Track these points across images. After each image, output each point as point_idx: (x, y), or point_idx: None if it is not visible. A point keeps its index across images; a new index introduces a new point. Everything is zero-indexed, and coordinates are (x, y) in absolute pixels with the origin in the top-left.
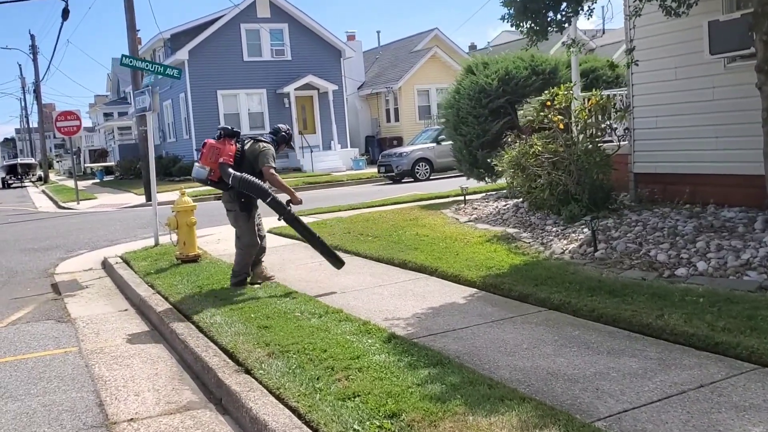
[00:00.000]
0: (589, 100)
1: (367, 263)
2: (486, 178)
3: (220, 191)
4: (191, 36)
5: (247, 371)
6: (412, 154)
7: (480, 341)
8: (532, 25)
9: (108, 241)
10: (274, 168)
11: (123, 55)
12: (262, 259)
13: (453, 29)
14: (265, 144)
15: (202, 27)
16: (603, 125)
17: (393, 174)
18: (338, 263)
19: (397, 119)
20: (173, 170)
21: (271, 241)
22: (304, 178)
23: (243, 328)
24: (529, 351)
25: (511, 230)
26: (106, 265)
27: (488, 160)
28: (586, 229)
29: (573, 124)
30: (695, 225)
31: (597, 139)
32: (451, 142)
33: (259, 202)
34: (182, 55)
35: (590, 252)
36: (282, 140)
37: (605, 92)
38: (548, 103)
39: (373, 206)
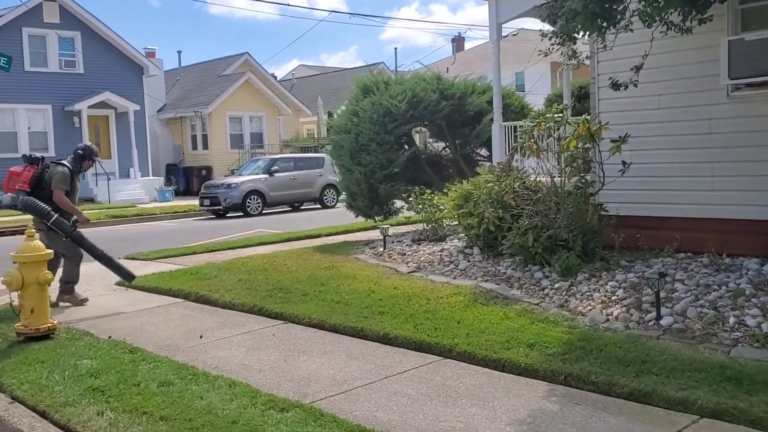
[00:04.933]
0: (579, 126)
1: (325, 336)
2: (376, 216)
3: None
4: None
5: None
6: (242, 185)
7: None
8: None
9: None
10: (64, 191)
11: None
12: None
13: (261, 60)
14: (60, 168)
15: None
16: (585, 158)
17: (219, 208)
18: (129, 277)
19: (205, 147)
20: None
21: (145, 301)
22: (106, 211)
23: None
24: None
25: (487, 285)
26: None
27: (404, 194)
28: (608, 286)
29: (559, 155)
30: (747, 281)
31: (583, 174)
32: (335, 172)
33: None
34: None
35: (651, 319)
36: (79, 159)
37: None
38: (540, 126)
39: (234, 247)
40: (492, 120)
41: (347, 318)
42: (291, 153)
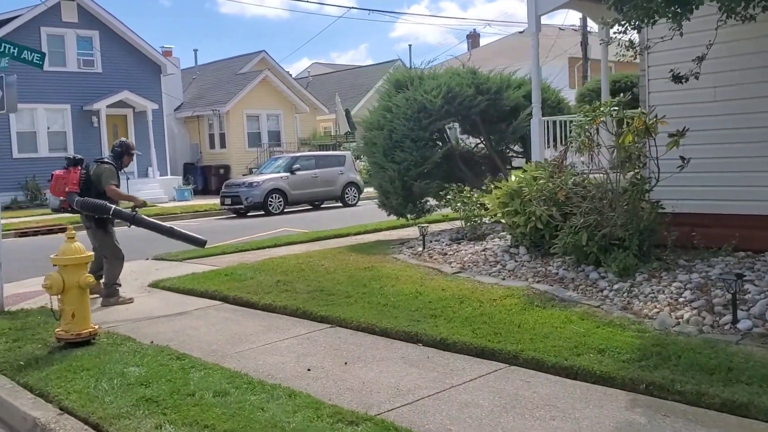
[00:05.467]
0: (634, 119)
1: (377, 341)
2: (409, 215)
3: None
4: None
5: None
6: (264, 184)
7: None
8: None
9: None
10: (115, 184)
11: None
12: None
13: (278, 58)
14: (105, 165)
15: None
16: (640, 153)
17: (241, 206)
18: (200, 243)
19: (223, 146)
20: None
21: (181, 303)
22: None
23: None
24: None
25: (539, 286)
26: None
27: (441, 192)
28: (672, 287)
29: (612, 150)
30: None
31: (638, 170)
32: (356, 170)
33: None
34: None
35: (727, 323)
36: (118, 156)
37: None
38: (596, 121)
39: (263, 247)
40: (529, 115)
41: (398, 322)
42: (309, 151)
